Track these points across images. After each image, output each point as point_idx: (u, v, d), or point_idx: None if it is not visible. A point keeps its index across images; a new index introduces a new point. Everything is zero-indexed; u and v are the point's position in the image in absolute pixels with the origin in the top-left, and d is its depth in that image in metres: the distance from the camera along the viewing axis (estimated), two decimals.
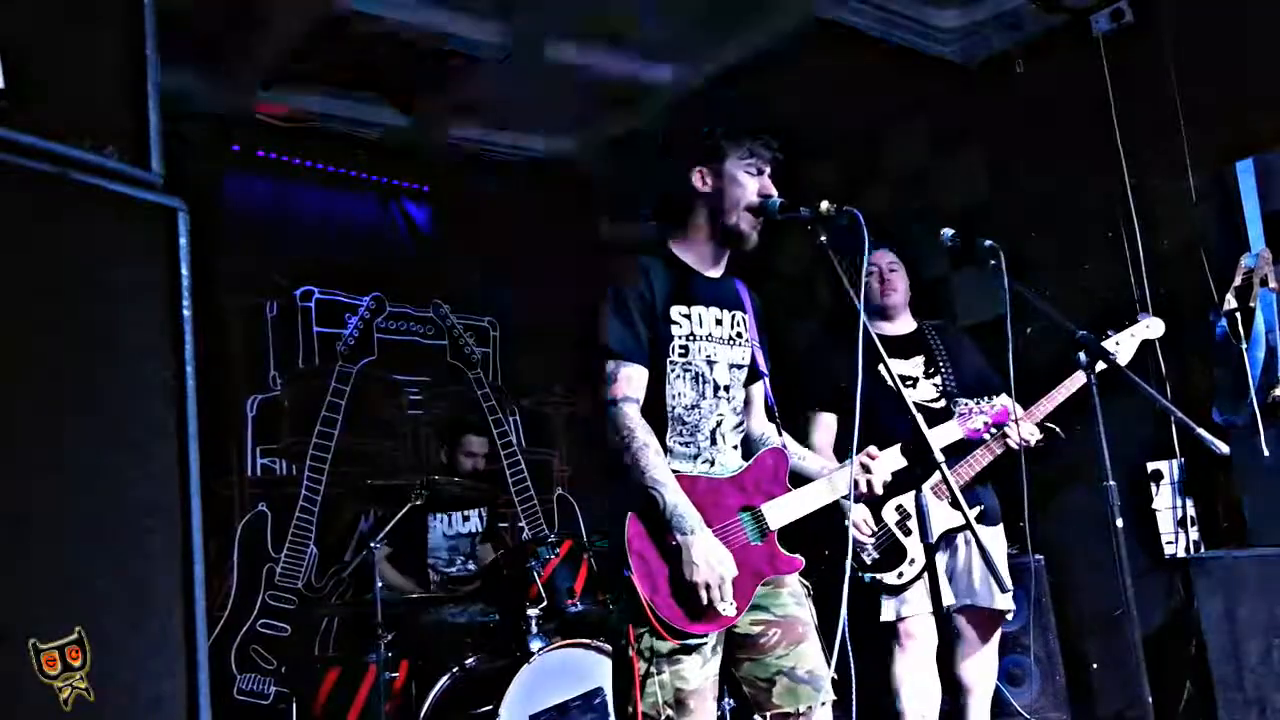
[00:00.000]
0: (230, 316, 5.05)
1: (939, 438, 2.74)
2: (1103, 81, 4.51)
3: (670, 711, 2.19)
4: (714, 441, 2.40)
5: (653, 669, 2.20)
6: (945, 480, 2.11)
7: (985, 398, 2.88)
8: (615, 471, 2.29)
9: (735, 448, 2.47)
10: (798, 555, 2.41)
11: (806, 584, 2.45)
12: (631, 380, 2.32)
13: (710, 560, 2.17)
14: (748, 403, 2.57)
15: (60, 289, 1.35)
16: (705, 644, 2.24)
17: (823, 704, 2.32)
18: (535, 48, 4.67)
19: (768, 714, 2.31)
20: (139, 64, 1.51)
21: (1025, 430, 3.21)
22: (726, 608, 2.21)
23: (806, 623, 2.37)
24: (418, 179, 5.78)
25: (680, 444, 2.36)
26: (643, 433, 2.27)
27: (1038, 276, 4.34)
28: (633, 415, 2.29)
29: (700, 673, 2.23)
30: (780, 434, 2.58)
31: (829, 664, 2.35)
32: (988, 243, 2.96)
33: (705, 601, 2.18)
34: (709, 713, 2.24)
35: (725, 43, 4.80)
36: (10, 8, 1.37)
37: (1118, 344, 3.24)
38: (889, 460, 2.52)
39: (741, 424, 2.52)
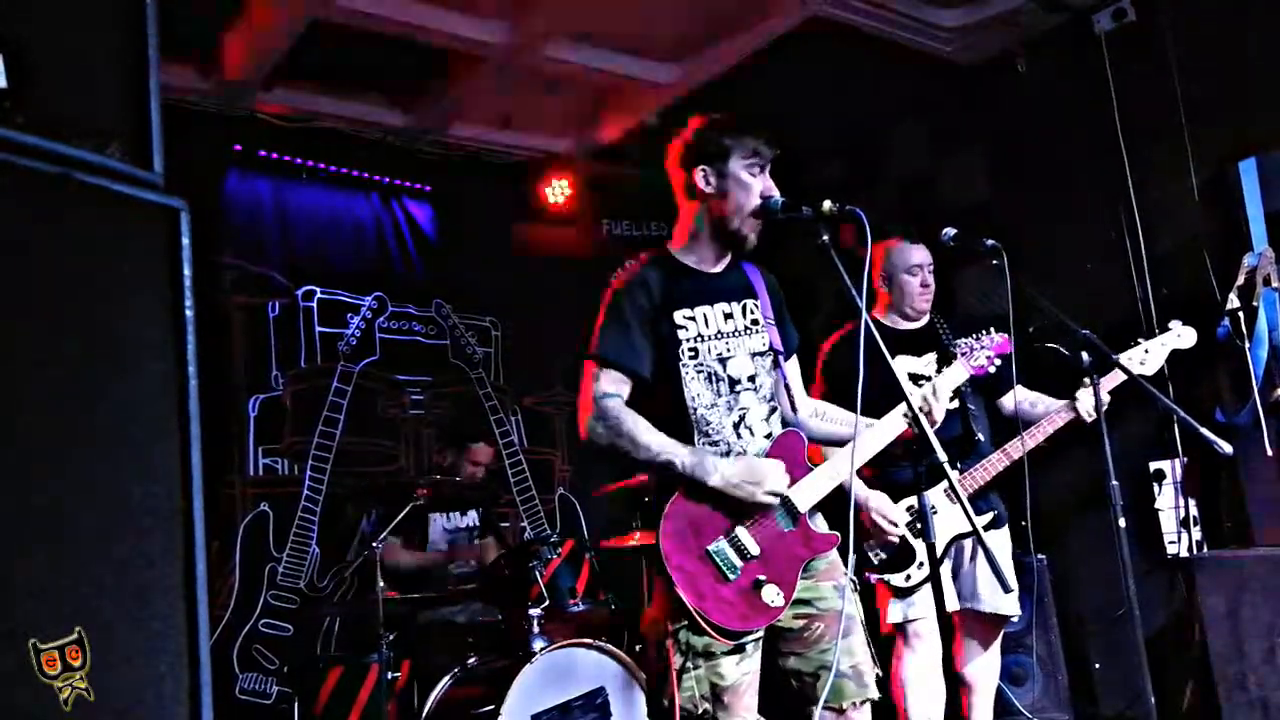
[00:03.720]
0: (232, 316, 5.05)
1: (949, 380, 2.69)
2: (1105, 80, 4.50)
3: (707, 705, 2.20)
4: (740, 435, 2.39)
5: (689, 664, 2.21)
6: (952, 486, 2.11)
7: (983, 332, 2.78)
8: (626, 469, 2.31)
9: (768, 436, 2.43)
10: (833, 531, 2.41)
11: (854, 579, 2.44)
12: (613, 380, 2.33)
13: (749, 475, 2.25)
14: (776, 386, 2.54)
15: (61, 289, 1.35)
16: (759, 637, 2.25)
17: (864, 701, 2.32)
18: (535, 47, 4.66)
19: (814, 709, 2.31)
20: (141, 64, 1.51)
21: (1091, 401, 3.12)
22: (775, 597, 2.22)
23: (851, 616, 2.37)
24: (419, 179, 5.78)
25: (707, 443, 2.36)
26: (628, 416, 2.29)
27: (1039, 276, 4.33)
28: (613, 406, 2.30)
29: (737, 669, 2.23)
30: (808, 409, 2.60)
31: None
32: (990, 242, 2.96)
33: (767, 497, 2.24)
34: (747, 708, 2.24)
35: (725, 42, 4.80)
36: (12, 7, 1.37)
37: (1147, 352, 3.21)
38: (949, 379, 2.57)
39: (774, 411, 2.49)
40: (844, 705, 2.30)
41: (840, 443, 2.54)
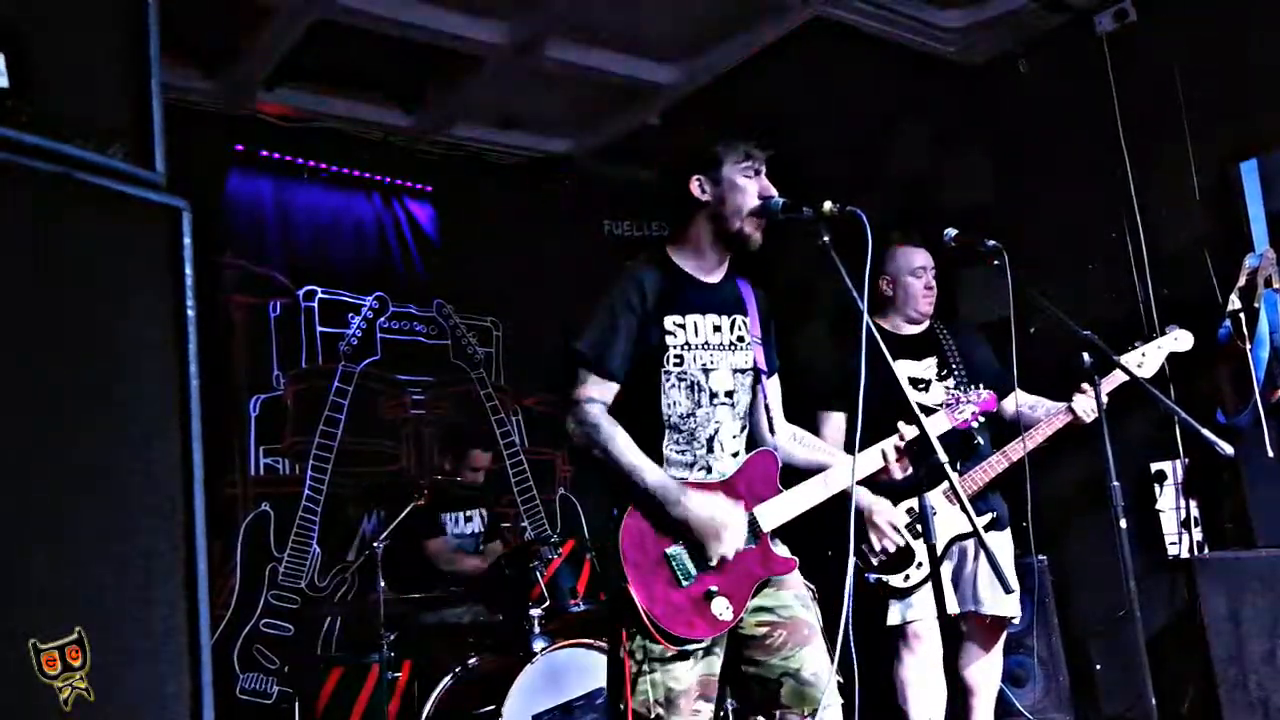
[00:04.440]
0: (233, 316, 5.06)
1: (929, 430, 2.72)
2: (1106, 81, 4.50)
3: (660, 710, 2.20)
4: (711, 449, 2.39)
5: (644, 668, 2.21)
6: (952, 486, 2.10)
7: (972, 387, 2.86)
8: (600, 475, 2.31)
9: (735, 455, 2.44)
10: (792, 556, 2.42)
11: (811, 586, 2.45)
12: (600, 385, 2.33)
13: (711, 528, 2.23)
14: (755, 405, 2.55)
15: (63, 289, 1.35)
16: (701, 646, 2.25)
17: (827, 706, 2.32)
18: (535, 47, 4.66)
19: (775, 715, 2.31)
20: (142, 64, 1.51)
21: (1088, 404, 3.14)
22: (724, 610, 2.23)
23: (812, 625, 2.37)
24: (420, 179, 5.79)
25: (676, 452, 2.37)
26: (608, 424, 2.29)
27: (1041, 277, 4.33)
28: (596, 411, 2.30)
29: (691, 673, 2.23)
30: (786, 433, 2.59)
31: (832, 664, 2.35)
32: (991, 243, 2.96)
33: (720, 554, 2.22)
34: (696, 712, 2.24)
35: (726, 42, 4.80)
36: (14, 7, 1.37)
37: (1144, 355, 3.21)
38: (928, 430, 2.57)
39: (744, 429, 2.50)
40: (806, 712, 2.30)
41: (813, 470, 2.54)
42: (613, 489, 2.31)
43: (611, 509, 2.29)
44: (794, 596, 2.39)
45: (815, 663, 2.32)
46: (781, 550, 2.42)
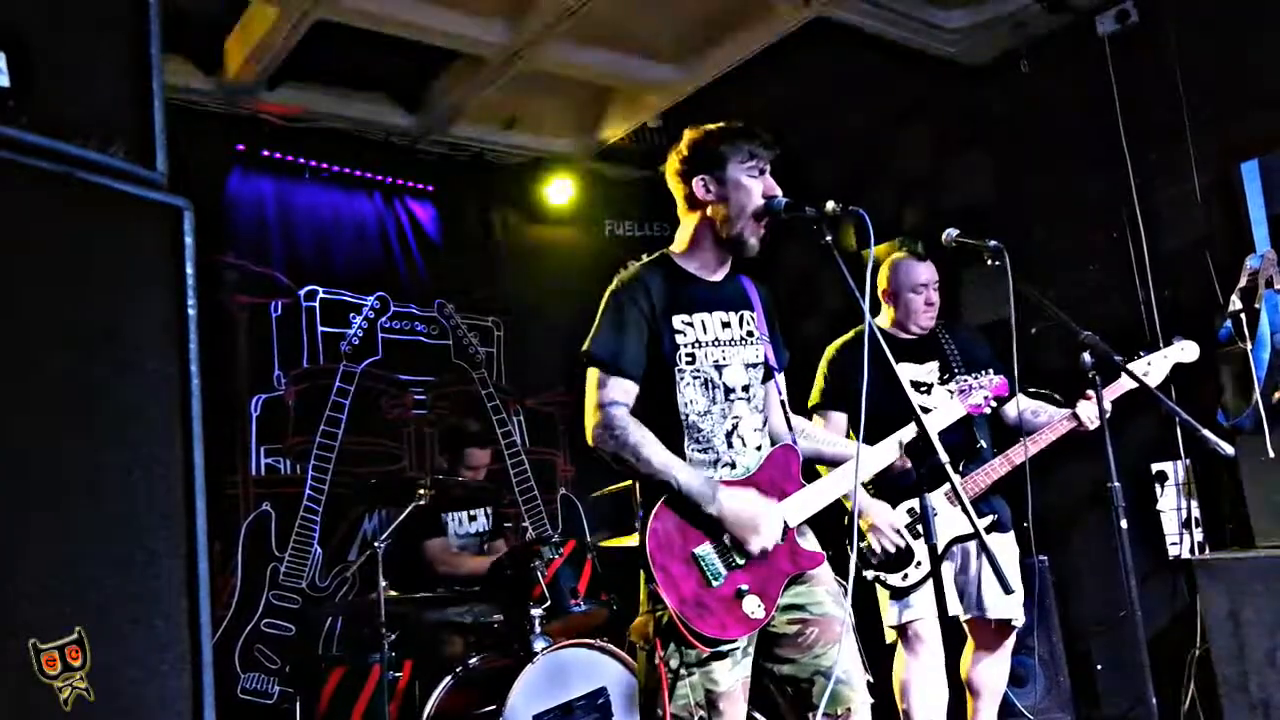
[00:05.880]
0: (235, 316, 5.06)
1: (943, 417, 2.75)
2: (1108, 82, 4.50)
3: (703, 713, 2.19)
4: (731, 444, 2.38)
5: (683, 671, 2.20)
6: (953, 487, 2.10)
7: (982, 372, 2.86)
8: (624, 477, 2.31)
9: (759, 448, 2.43)
10: (820, 550, 2.41)
11: (843, 583, 2.43)
12: (619, 388, 2.32)
13: (750, 522, 2.23)
14: (769, 400, 2.55)
15: (64, 288, 1.35)
16: (736, 647, 2.24)
17: (855, 708, 2.31)
18: (535, 47, 4.66)
19: (808, 715, 2.29)
20: (144, 64, 1.51)
21: (1092, 410, 3.15)
22: (755, 608, 2.22)
23: (844, 622, 2.35)
24: (422, 179, 5.79)
25: (698, 451, 2.36)
26: (635, 428, 2.28)
27: (1042, 277, 4.34)
28: (622, 415, 2.30)
29: (731, 675, 2.22)
30: (794, 427, 2.59)
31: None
32: (992, 243, 2.95)
33: (760, 547, 2.22)
34: (740, 714, 2.24)
35: (727, 42, 4.79)
36: (16, 7, 1.37)
37: (1149, 364, 3.21)
38: (942, 417, 2.65)
39: (764, 422, 2.50)
40: (839, 711, 2.29)
41: (822, 461, 2.56)
42: (640, 492, 2.30)
43: (637, 512, 2.29)
44: (825, 592, 2.37)
45: (847, 661, 2.31)
46: (810, 544, 2.41)
